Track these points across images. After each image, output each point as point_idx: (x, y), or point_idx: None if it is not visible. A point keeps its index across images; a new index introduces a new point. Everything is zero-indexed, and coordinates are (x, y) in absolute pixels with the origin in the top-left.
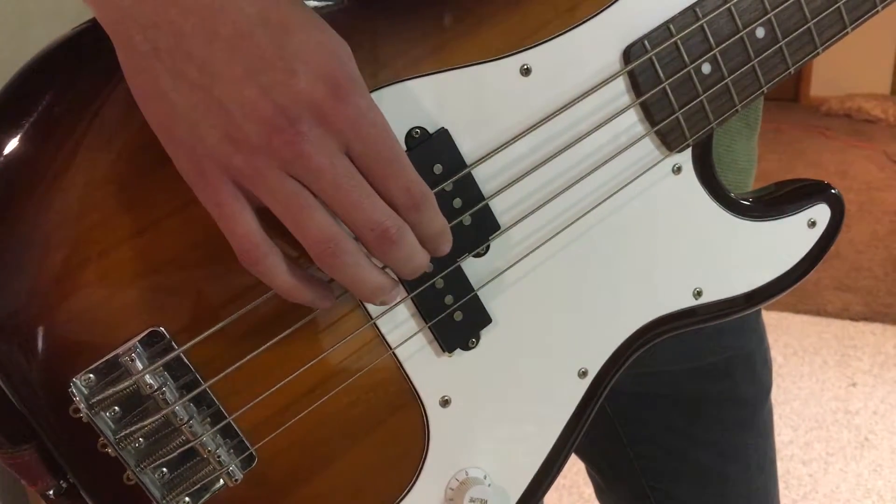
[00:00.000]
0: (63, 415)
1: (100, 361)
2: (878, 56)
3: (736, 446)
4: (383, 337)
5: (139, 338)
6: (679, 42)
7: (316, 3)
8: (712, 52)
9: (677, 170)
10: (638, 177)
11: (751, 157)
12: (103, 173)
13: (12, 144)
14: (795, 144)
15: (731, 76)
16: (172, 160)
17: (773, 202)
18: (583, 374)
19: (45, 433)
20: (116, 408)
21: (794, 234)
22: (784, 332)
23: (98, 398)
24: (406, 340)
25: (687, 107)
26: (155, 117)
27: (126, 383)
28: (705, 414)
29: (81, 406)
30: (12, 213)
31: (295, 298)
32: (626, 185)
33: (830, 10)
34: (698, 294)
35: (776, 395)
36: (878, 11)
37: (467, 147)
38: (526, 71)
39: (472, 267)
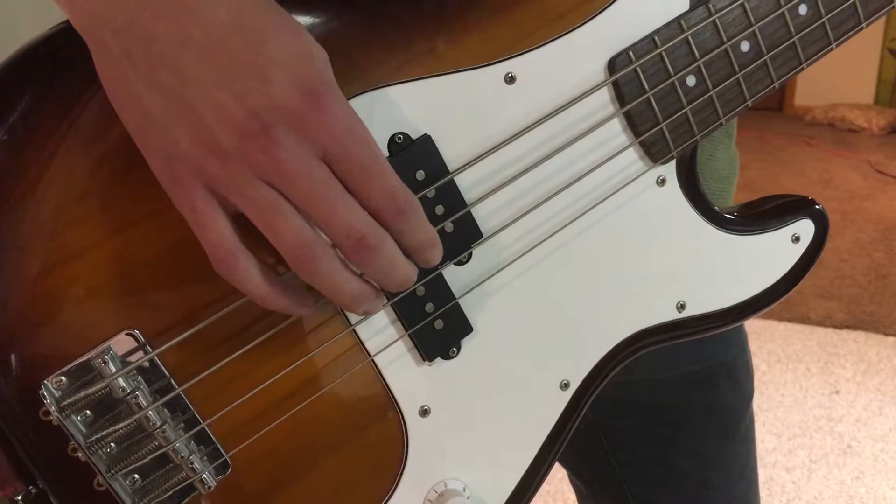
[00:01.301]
0: (33, 417)
1: (72, 364)
2: (862, 66)
3: (717, 454)
4: (362, 344)
5: (112, 340)
6: (664, 53)
7: (297, 13)
8: (696, 64)
9: (661, 182)
10: (622, 188)
11: (732, 165)
12: (78, 176)
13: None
14: (779, 153)
15: (716, 89)
16: (148, 164)
17: (757, 216)
18: (564, 385)
19: (13, 436)
20: (88, 411)
21: (778, 249)
22: (768, 339)
23: (69, 401)
24: (386, 348)
25: (671, 118)
26: (130, 122)
27: (98, 386)
28: (687, 422)
29: (52, 408)
30: None
31: (270, 305)
32: (609, 196)
33: (815, 25)
34: (681, 307)
35: (760, 403)
36: (862, 28)
37: (450, 154)
38: (510, 79)
39: (454, 275)
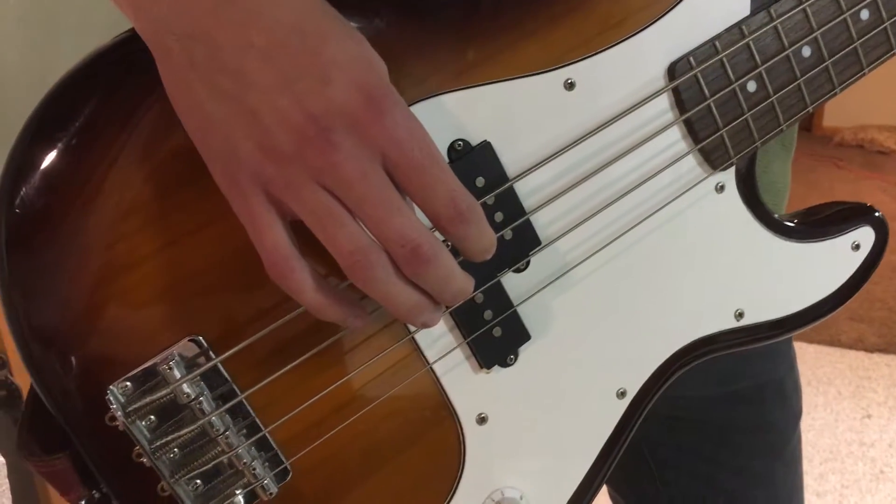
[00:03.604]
0: (98, 423)
1: (138, 369)
2: (890, 87)
3: (764, 473)
4: (421, 351)
5: (177, 346)
6: (725, 59)
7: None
8: (758, 70)
9: (720, 188)
10: (681, 195)
11: (786, 180)
12: (140, 183)
13: (53, 154)
14: (808, 174)
15: (777, 95)
16: (209, 170)
17: (816, 224)
18: (621, 394)
19: (79, 441)
20: (152, 417)
21: (838, 257)
22: (798, 361)
23: (135, 406)
24: (444, 356)
25: (731, 125)
26: (192, 127)
27: (163, 391)
28: (734, 440)
29: (118, 414)
30: (51, 223)
31: (323, 316)
32: (668, 203)
33: (876, 30)
34: (740, 315)
35: None
36: None
37: (509, 161)
38: (570, 85)
39: (512, 282)
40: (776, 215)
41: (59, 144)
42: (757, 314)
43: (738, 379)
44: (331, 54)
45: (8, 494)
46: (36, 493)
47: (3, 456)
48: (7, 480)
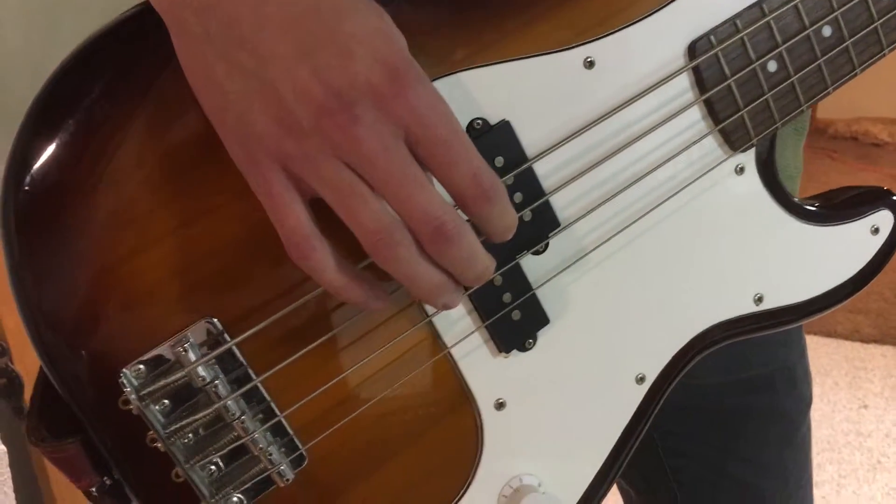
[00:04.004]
0: (111, 408)
1: (151, 352)
2: (885, 80)
3: (774, 462)
4: (439, 335)
5: (192, 328)
6: (745, 38)
7: None
8: (778, 50)
9: (740, 170)
10: (700, 176)
11: (798, 164)
12: (155, 162)
13: (62, 133)
14: (803, 166)
15: (797, 75)
16: (226, 147)
17: (835, 207)
18: (640, 379)
19: (92, 426)
20: (166, 401)
21: (857, 241)
22: None
23: (149, 389)
24: (462, 340)
25: (752, 105)
26: (208, 103)
27: (178, 374)
28: (746, 428)
29: (132, 397)
30: (62, 204)
31: (344, 297)
32: (687, 185)
33: None
34: (759, 300)
35: None
36: None
37: (528, 140)
38: (589, 63)
39: (530, 265)
40: (796, 199)
41: (69, 123)
42: (776, 299)
43: (750, 366)
44: (351, 27)
45: (10, 483)
46: (37, 482)
47: (4, 444)
48: (9, 470)
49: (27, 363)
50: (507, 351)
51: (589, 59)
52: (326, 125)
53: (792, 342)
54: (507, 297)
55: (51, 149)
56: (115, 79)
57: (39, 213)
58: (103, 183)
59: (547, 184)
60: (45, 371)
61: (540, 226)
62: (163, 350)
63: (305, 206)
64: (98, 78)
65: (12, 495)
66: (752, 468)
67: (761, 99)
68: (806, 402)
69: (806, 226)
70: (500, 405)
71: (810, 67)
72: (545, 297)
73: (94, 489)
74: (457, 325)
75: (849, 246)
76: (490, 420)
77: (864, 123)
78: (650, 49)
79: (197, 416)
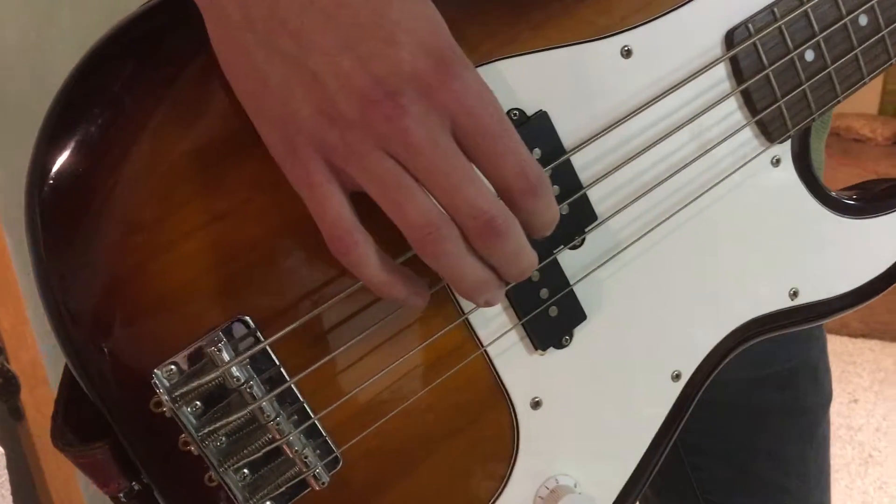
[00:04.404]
0: (142, 409)
1: (185, 351)
2: None
3: (796, 459)
4: (474, 333)
5: (224, 327)
6: (783, 27)
7: None
8: (816, 39)
9: (776, 162)
10: (738, 168)
11: (821, 158)
12: (186, 154)
13: (90, 122)
14: None
15: (835, 65)
16: (262, 138)
17: (869, 199)
18: (676, 376)
19: (122, 430)
20: (198, 402)
21: (891, 233)
22: None
23: (182, 391)
24: (498, 338)
25: (789, 95)
26: (245, 92)
27: (212, 375)
28: (767, 425)
29: (165, 398)
30: (89, 198)
31: (385, 294)
32: (725, 178)
33: None
34: (794, 295)
35: None
36: None
37: (565, 131)
38: (627, 52)
39: (567, 260)
40: (833, 192)
41: (95, 113)
42: (811, 293)
43: (773, 363)
44: (397, 14)
45: (7, 486)
46: (34, 485)
47: (2, 446)
48: (6, 472)
49: (22, 363)
50: (544, 349)
51: (627, 48)
52: (372, 115)
53: (813, 338)
54: (544, 292)
55: (79, 137)
56: (149, 63)
57: (64, 211)
58: (133, 176)
59: (584, 176)
60: (73, 372)
61: (578, 220)
62: (195, 349)
63: (347, 199)
64: (131, 62)
65: (10, 498)
66: (772, 464)
67: (799, 89)
68: (827, 397)
69: (842, 219)
70: (535, 404)
71: (847, 57)
72: (582, 292)
73: (121, 494)
74: (492, 322)
75: (883, 239)
76: (526, 419)
77: (847, 119)
78: (687, 38)
79: (231, 419)
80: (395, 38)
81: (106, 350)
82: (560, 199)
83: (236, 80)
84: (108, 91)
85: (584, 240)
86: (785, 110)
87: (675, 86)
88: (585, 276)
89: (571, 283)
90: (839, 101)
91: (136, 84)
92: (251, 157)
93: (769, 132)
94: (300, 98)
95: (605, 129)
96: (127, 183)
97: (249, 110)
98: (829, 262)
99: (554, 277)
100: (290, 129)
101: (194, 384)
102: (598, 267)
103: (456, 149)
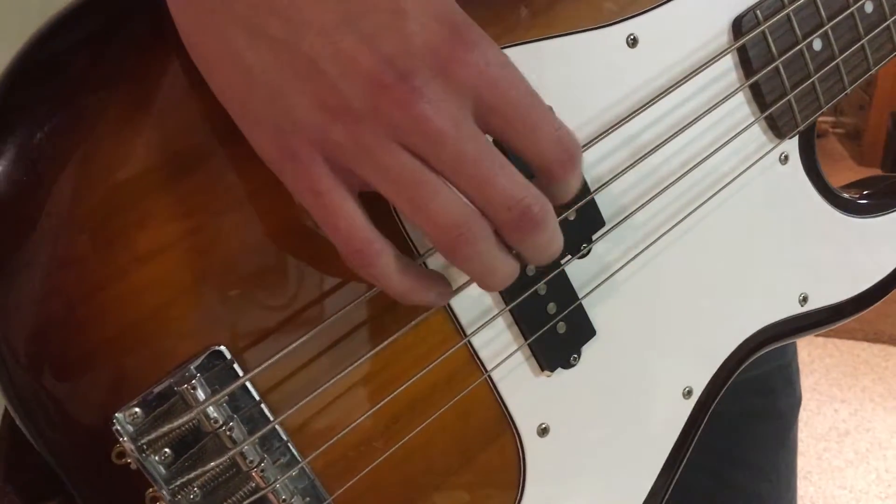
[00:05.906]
0: (102, 461)
1: (150, 390)
2: None
3: (770, 464)
4: (476, 356)
5: (198, 361)
6: (791, 14)
7: None
8: (824, 28)
9: (784, 159)
10: (748, 167)
11: None
12: (149, 160)
13: (34, 122)
14: None
15: (842, 55)
16: (250, 142)
17: (873, 196)
18: (688, 393)
19: (76, 486)
20: (167, 450)
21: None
22: None
23: (149, 437)
24: (504, 360)
25: (798, 88)
26: (225, 86)
27: (186, 417)
28: (744, 431)
29: (129, 447)
30: (32, 204)
31: (411, 301)
32: (735, 178)
33: None
34: (804, 300)
35: None
36: None
37: (570, 127)
38: (633, 41)
39: (574, 272)
40: (837, 190)
41: (41, 113)
42: (820, 298)
43: (751, 367)
44: None
45: None
46: None
47: None
48: None
49: None
50: (552, 369)
51: (632, 37)
52: (383, 104)
53: None
54: (551, 307)
55: (20, 139)
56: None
57: (6, 221)
58: (90, 183)
59: (590, 178)
60: (16, 420)
61: (585, 227)
62: (163, 388)
63: (359, 204)
64: (82, 49)
65: None
66: (749, 473)
67: (808, 82)
68: (798, 399)
69: (847, 218)
70: (543, 431)
71: (854, 47)
72: (590, 306)
73: None
74: (494, 342)
75: (888, 237)
76: (533, 448)
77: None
78: (693, 25)
79: (207, 467)
80: (402, 9)
81: (56, 392)
82: (566, 205)
83: (212, 74)
84: (58, 81)
85: (590, 249)
86: (794, 104)
87: (680, 81)
88: (595, 288)
89: (580, 296)
90: (846, 94)
91: (90, 70)
92: (230, 163)
93: (778, 127)
94: (294, 90)
95: (612, 127)
96: (82, 190)
97: (232, 109)
98: (836, 265)
99: (562, 291)
100: (285, 129)
101: (164, 429)
102: (608, 278)
103: (479, 131)
